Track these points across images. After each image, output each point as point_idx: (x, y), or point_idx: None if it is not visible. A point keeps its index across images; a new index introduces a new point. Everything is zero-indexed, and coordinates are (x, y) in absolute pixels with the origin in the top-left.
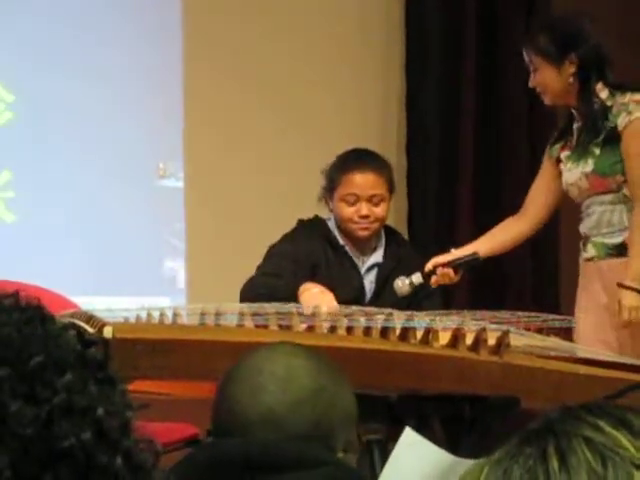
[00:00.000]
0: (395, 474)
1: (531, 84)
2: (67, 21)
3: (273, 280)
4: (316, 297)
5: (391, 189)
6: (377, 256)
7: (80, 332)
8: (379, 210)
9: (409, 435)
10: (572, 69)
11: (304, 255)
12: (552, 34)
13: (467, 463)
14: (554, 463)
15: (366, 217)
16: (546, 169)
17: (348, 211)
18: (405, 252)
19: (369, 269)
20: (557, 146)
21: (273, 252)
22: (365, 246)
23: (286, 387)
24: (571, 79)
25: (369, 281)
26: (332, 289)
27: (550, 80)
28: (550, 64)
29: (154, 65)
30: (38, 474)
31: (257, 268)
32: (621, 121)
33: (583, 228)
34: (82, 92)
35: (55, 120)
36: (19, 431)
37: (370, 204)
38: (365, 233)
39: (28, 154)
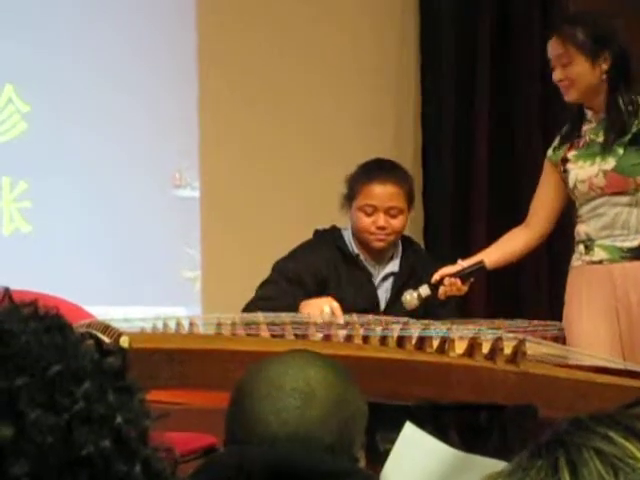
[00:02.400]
0: (397, 467)
1: (557, 77)
2: (83, 30)
3: (268, 304)
4: (313, 303)
5: (410, 202)
6: (393, 265)
7: (98, 341)
8: (396, 222)
9: (410, 429)
10: (605, 66)
11: (308, 273)
12: (590, 29)
13: (467, 457)
14: (566, 475)
15: (383, 229)
16: (548, 175)
17: (365, 221)
18: (421, 261)
19: (384, 278)
20: (562, 148)
21: (274, 270)
22: (381, 256)
23: (309, 403)
24: (604, 76)
25: (384, 290)
26: (343, 300)
27: (583, 74)
28: (586, 57)
29: (170, 75)
30: None
31: (259, 285)
32: None
33: (587, 229)
34: (98, 103)
35: (70, 131)
36: (38, 439)
37: (388, 216)
38: (380, 244)
39: (44, 164)
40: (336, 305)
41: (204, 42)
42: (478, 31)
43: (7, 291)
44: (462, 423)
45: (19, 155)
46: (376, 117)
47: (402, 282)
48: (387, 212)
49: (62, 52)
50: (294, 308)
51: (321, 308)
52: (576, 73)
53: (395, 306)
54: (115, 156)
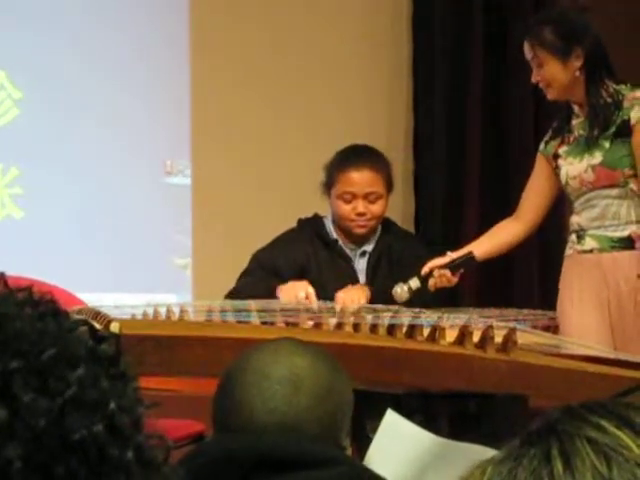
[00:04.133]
0: (380, 455)
1: (534, 79)
2: (76, 18)
3: (244, 295)
4: (288, 288)
5: (389, 186)
6: (367, 245)
7: (92, 328)
8: (376, 207)
9: (392, 416)
10: (578, 63)
11: (285, 262)
12: (557, 27)
13: (448, 444)
14: (558, 465)
15: (363, 215)
16: (540, 169)
17: (345, 209)
18: (398, 241)
19: (360, 257)
20: (553, 143)
21: (252, 260)
22: (360, 240)
23: (297, 391)
24: (577, 73)
25: (360, 269)
26: (325, 286)
27: (556, 74)
28: (556, 58)
29: (161, 63)
30: (49, 466)
31: (239, 276)
32: (634, 114)
33: (579, 220)
34: (89, 90)
35: (62, 118)
36: (31, 422)
37: (366, 201)
38: (362, 230)
39: (35, 151)
40: (311, 291)
41: (196, 30)
42: (473, 14)
43: (2, 276)
44: (452, 412)
45: (11, 141)
46: (368, 106)
47: (375, 259)
48: (366, 198)
49: (55, 39)
50: (271, 297)
51: (296, 294)
52: (550, 74)
53: (373, 284)
54: (106, 143)
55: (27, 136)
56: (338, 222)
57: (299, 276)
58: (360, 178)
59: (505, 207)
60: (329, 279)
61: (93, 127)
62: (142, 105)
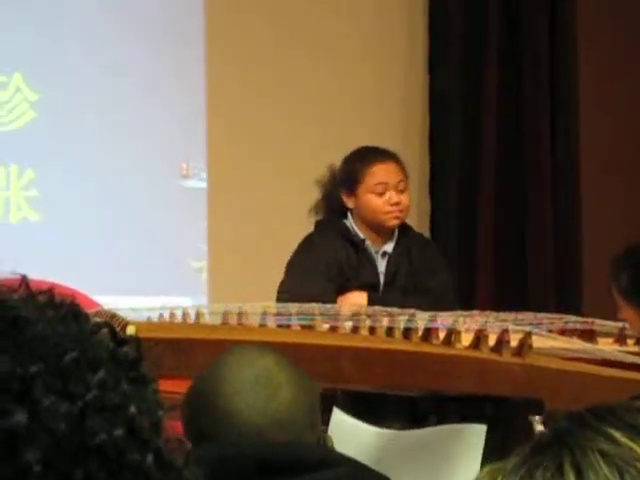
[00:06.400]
0: None
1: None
2: (92, 19)
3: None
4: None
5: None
6: (388, 247)
7: (113, 330)
8: (405, 198)
9: (338, 415)
10: None
11: (326, 263)
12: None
13: (392, 434)
14: (571, 478)
15: (397, 204)
16: None
17: (378, 202)
18: (416, 243)
19: (381, 257)
20: None
21: (294, 268)
22: (385, 238)
23: (279, 389)
24: None
25: (380, 271)
26: (351, 287)
27: (630, 319)
28: (631, 305)
29: (178, 65)
30: (69, 470)
31: (279, 288)
32: None
33: None
34: (105, 92)
35: (78, 120)
36: (52, 426)
37: (397, 192)
38: (396, 222)
39: (51, 153)
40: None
41: (213, 32)
42: (488, 15)
43: (24, 279)
44: (467, 415)
45: (27, 144)
46: (384, 107)
47: (394, 261)
48: (396, 188)
49: (71, 41)
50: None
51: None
52: (625, 318)
53: (391, 286)
54: (122, 146)
55: (43, 138)
56: (370, 217)
57: (340, 277)
58: (389, 169)
59: (521, 205)
60: (354, 279)
61: (108, 130)
62: (158, 107)
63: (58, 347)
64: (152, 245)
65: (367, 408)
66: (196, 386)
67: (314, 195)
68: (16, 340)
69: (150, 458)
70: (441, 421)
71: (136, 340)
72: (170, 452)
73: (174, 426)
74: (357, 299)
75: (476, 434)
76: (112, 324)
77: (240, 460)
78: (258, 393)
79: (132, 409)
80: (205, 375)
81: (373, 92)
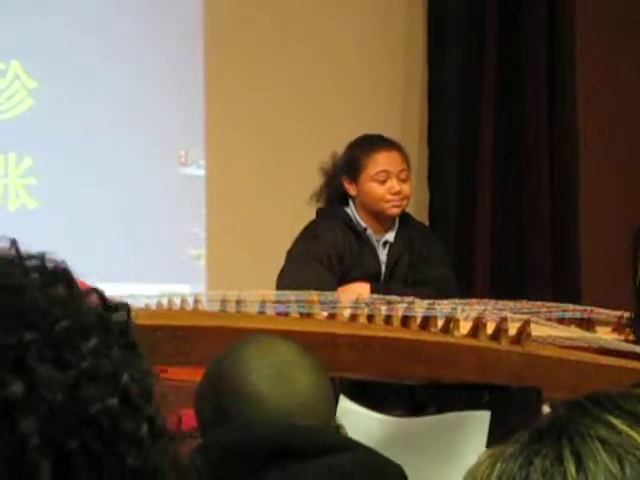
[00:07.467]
0: None
1: None
2: (90, 7)
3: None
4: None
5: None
6: (389, 236)
7: (102, 296)
8: (407, 187)
9: (345, 402)
10: None
11: (327, 253)
12: None
13: (400, 422)
14: (571, 467)
15: (398, 193)
16: None
17: (380, 190)
18: (417, 233)
19: (382, 247)
20: None
21: (302, 253)
22: (387, 226)
23: (303, 372)
24: None
25: (382, 260)
26: (353, 275)
27: None
28: None
29: (176, 52)
30: (64, 440)
31: (279, 275)
32: None
33: None
34: (103, 80)
35: (76, 108)
36: (48, 396)
37: (399, 180)
38: (397, 210)
39: (50, 141)
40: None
41: (210, 21)
42: (486, 16)
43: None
44: (465, 403)
45: (25, 131)
46: (382, 98)
47: (396, 250)
48: (398, 177)
49: (69, 29)
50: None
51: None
52: None
53: (393, 276)
54: (120, 133)
55: (41, 126)
56: (371, 205)
57: (340, 265)
58: (392, 157)
59: (519, 197)
60: (356, 268)
61: (107, 117)
62: (156, 95)
63: (50, 315)
64: (151, 232)
65: (366, 396)
66: (218, 370)
67: (313, 182)
68: (8, 308)
69: (145, 427)
70: (441, 410)
71: (126, 306)
72: (161, 419)
73: (186, 414)
74: (359, 290)
75: (481, 421)
76: (101, 290)
77: (255, 444)
78: (285, 378)
79: (125, 377)
80: (227, 359)
81: (373, 84)
